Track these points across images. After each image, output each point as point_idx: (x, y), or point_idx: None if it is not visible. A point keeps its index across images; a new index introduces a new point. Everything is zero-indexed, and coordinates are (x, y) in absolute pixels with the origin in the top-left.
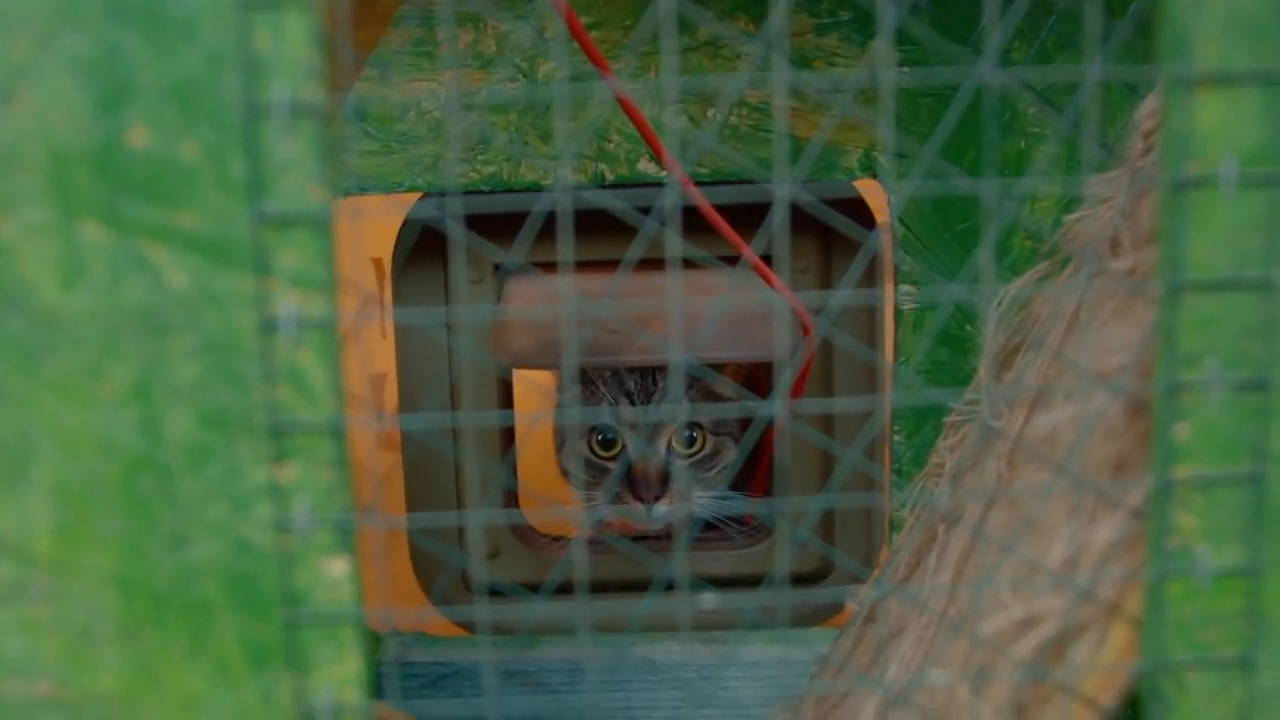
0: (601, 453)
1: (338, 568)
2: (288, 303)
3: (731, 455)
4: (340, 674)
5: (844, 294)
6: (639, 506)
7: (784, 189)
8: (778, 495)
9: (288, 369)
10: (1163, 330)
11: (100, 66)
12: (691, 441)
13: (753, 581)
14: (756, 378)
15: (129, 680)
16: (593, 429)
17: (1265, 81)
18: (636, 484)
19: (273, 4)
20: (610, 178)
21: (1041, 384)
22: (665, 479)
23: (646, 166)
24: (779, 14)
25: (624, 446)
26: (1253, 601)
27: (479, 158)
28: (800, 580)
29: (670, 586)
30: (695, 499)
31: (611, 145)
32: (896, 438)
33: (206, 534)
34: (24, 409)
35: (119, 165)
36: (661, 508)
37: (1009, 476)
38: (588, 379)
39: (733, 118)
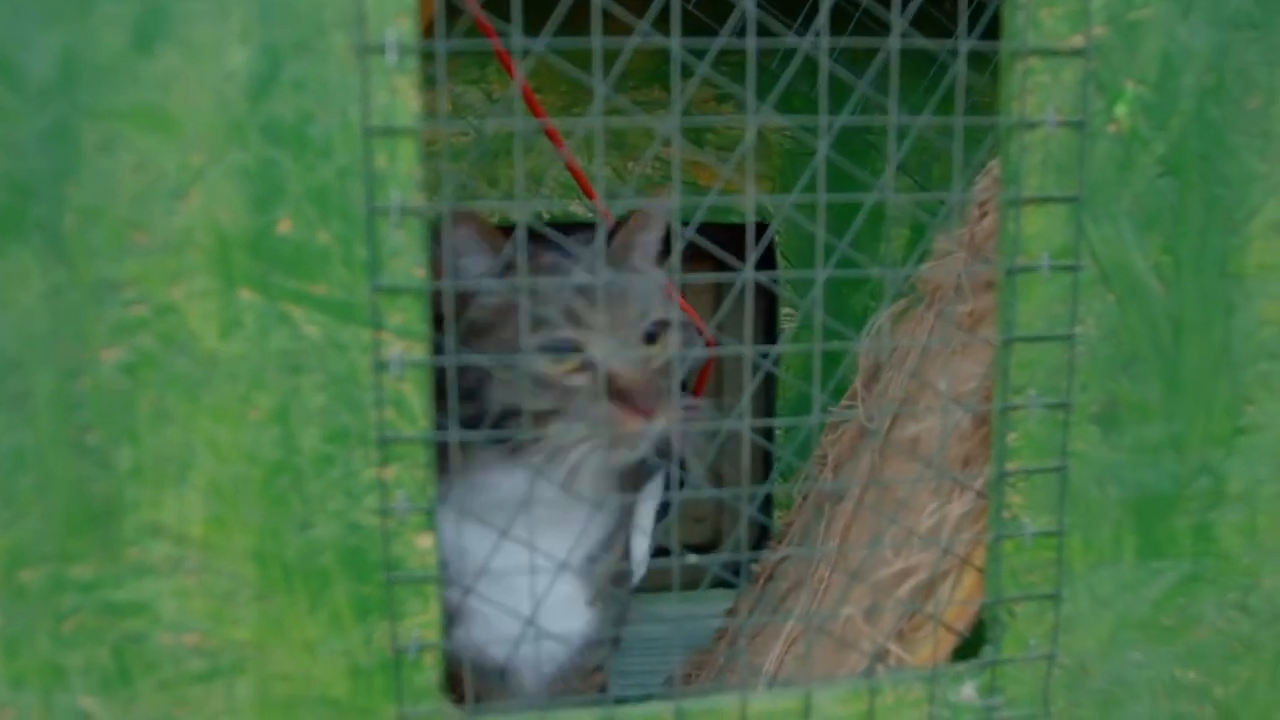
0: (552, 369)
1: (425, 541)
2: (395, 349)
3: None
4: (425, 620)
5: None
6: (637, 424)
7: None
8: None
9: (394, 397)
10: (999, 369)
11: (257, 175)
12: (652, 339)
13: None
14: None
15: (261, 632)
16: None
17: (1068, 202)
18: (629, 396)
19: (389, 132)
20: (546, 217)
21: (906, 399)
22: (657, 388)
23: (576, 208)
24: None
25: (582, 358)
26: (1059, 554)
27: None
28: (694, 549)
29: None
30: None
31: (547, 190)
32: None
33: (327, 519)
34: (186, 429)
35: (269, 247)
36: (659, 423)
37: (880, 467)
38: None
39: (648, 169)
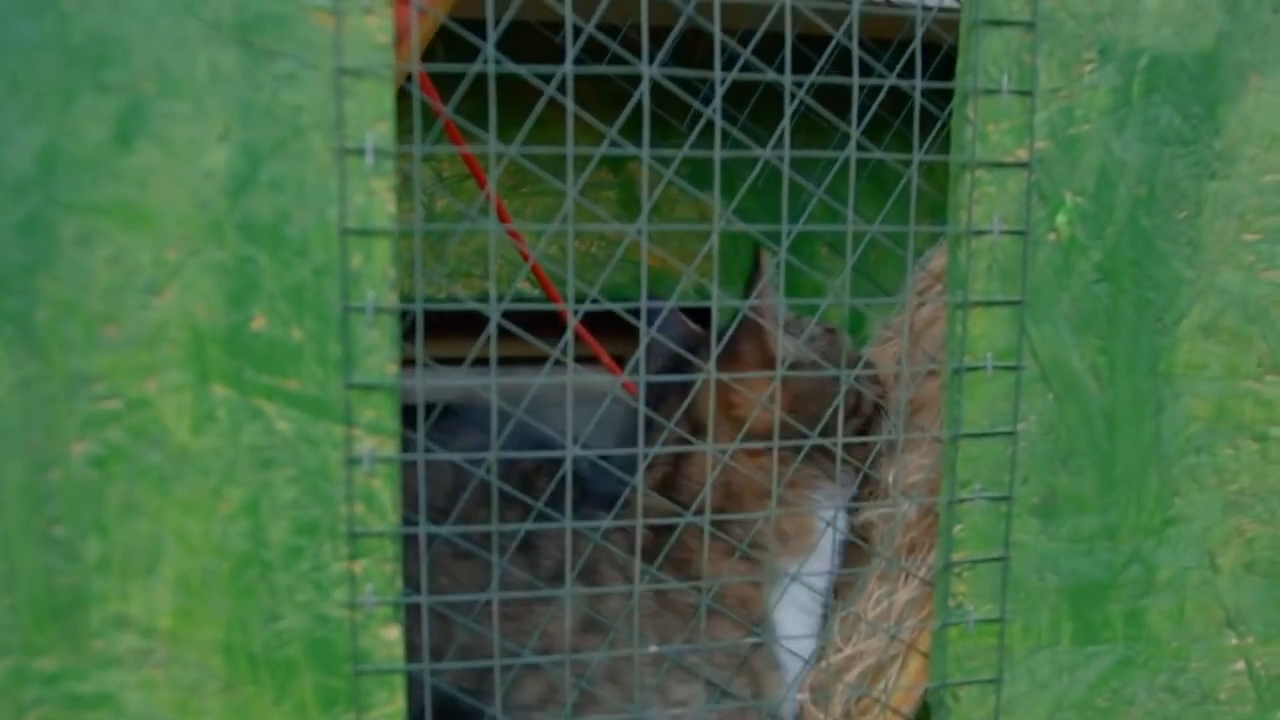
0: None
1: (392, 633)
2: (367, 445)
3: None
4: (390, 711)
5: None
6: None
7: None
8: None
9: (364, 492)
10: (946, 464)
11: (233, 272)
12: None
13: None
14: None
15: None
16: None
17: (1010, 305)
18: None
19: (365, 233)
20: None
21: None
22: None
23: (523, 285)
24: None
25: None
26: (1001, 640)
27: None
28: None
29: None
30: None
31: (497, 267)
32: None
33: (295, 611)
34: (156, 521)
35: (243, 343)
36: None
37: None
38: None
39: (593, 249)
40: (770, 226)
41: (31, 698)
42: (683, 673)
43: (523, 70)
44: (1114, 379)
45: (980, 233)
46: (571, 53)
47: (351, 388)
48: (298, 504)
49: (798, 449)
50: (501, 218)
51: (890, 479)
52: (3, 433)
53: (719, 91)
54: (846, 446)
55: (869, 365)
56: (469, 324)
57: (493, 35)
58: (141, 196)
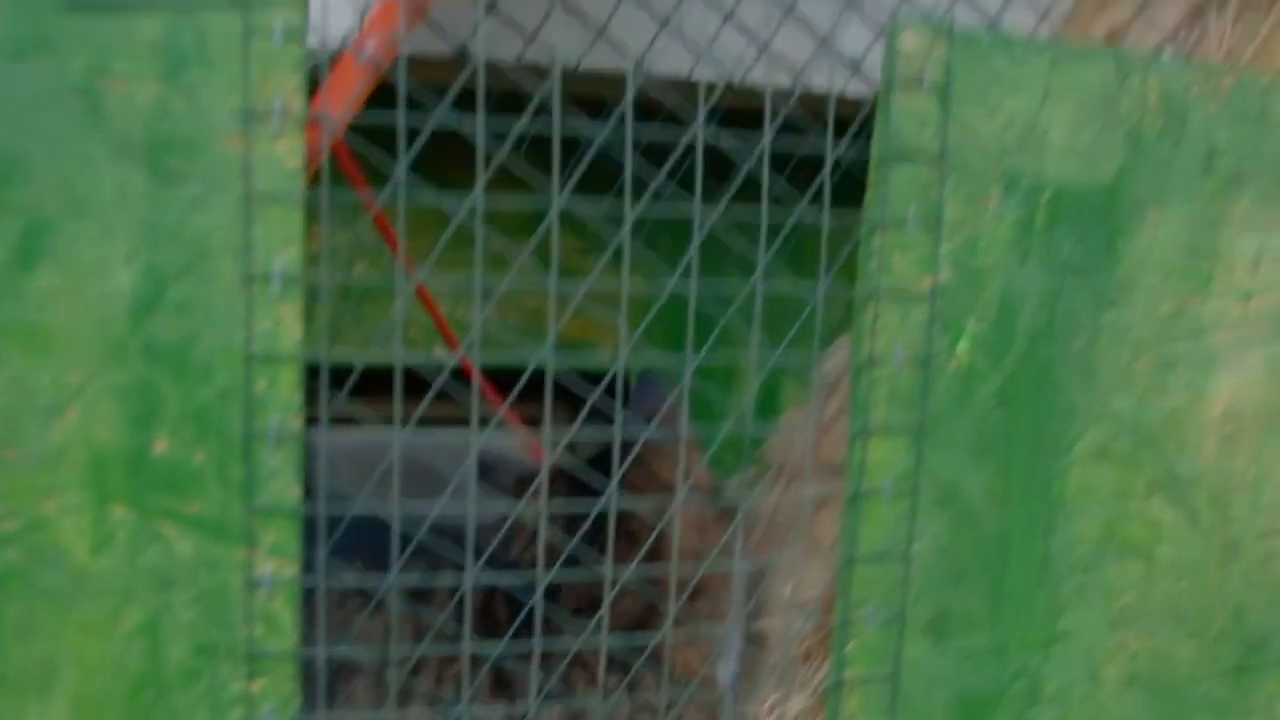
0: None
1: None
2: (268, 568)
3: None
4: None
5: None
6: None
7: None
8: None
9: (264, 614)
10: (841, 585)
11: (135, 394)
12: None
13: None
14: None
15: None
16: None
17: (913, 433)
18: None
19: (271, 359)
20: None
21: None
22: None
23: (440, 351)
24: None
25: None
26: None
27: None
28: None
29: None
30: None
31: (411, 333)
32: None
33: None
34: (53, 641)
35: (145, 465)
36: None
37: None
38: None
39: (510, 317)
40: (675, 355)
41: None
42: None
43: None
44: (1008, 502)
45: (881, 361)
46: (482, 179)
47: (254, 512)
48: (196, 626)
49: None
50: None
51: (787, 593)
52: None
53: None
54: None
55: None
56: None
57: (404, 158)
58: (42, 318)
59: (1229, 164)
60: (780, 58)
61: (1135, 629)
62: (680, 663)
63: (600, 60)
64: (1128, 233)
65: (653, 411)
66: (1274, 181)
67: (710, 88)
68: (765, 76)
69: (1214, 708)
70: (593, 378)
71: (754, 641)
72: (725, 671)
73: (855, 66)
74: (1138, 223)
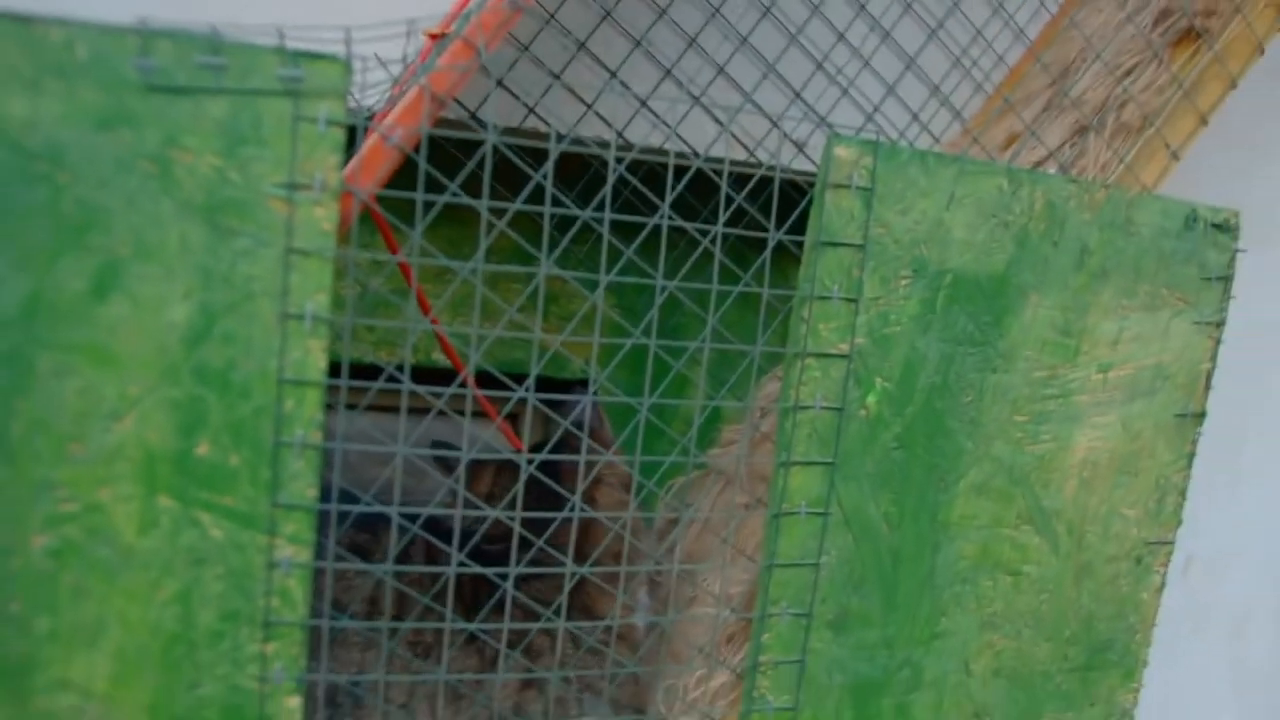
0: None
1: (293, 702)
2: (286, 552)
3: None
4: None
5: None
6: None
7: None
8: None
9: (280, 589)
10: (761, 585)
11: (184, 407)
12: None
13: None
14: None
15: None
16: None
17: (827, 466)
18: None
19: (299, 383)
20: (411, 363)
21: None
22: None
23: (438, 358)
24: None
25: None
26: None
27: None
28: None
29: None
30: None
31: (416, 339)
32: None
33: (214, 682)
34: (101, 605)
35: (188, 465)
36: None
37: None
38: None
39: (505, 329)
40: (632, 399)
41: None
42: None
43: (441, 260)
44: (902, 525)
45: (804, 408)
46: (484, 244)
47: (277, 506)
48: (223, 597)
49: None
50: (421, 303)
51: (716, 588)
52: None
53: (602, 285)
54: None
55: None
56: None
57: (421, 224)
58: (111, 340)
59: (1097, 261)
60: (742, 132)
61: (1002, 631)
62: (602, 610)
63: (587, 131)
64: (1012, 312)
65: (580, 419)
66: (1133, 277)
67: (681, 167)
68: (725, 151)
69: (1064, 697)
70: (565, 382)
71: (659, 599)
72: (641, 618)
73: (800, 147)
74: (1021, 305)
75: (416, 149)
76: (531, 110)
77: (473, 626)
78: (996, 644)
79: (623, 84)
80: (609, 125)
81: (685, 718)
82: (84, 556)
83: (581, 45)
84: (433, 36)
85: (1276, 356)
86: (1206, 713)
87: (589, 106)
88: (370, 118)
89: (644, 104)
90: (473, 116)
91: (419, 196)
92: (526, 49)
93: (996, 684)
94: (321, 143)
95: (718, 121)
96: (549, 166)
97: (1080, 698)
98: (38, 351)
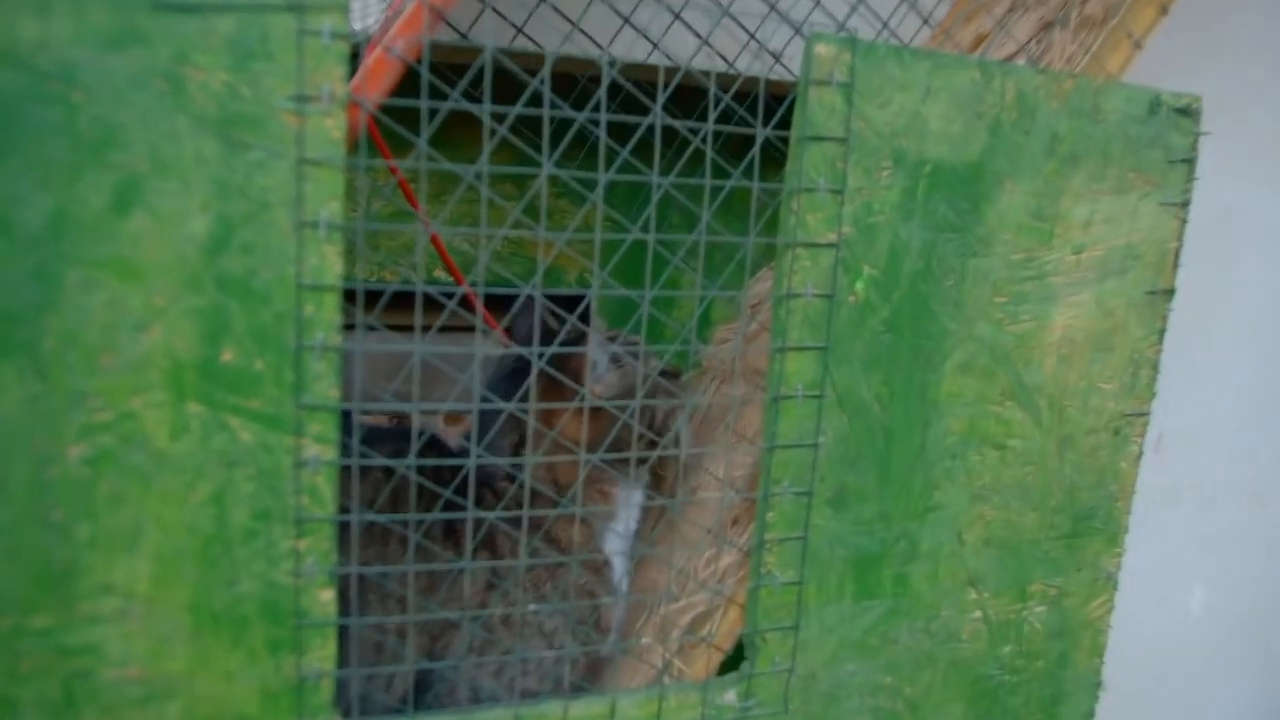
0: None
1: (327, 595)
2: (313, 451)
3: None
4: (324, 654)
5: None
6: None
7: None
8: None
9: (309, 487)
10: (763, 467)
11: (208, 315)
12: None
13: None
14: None
15: (192, 664)
16: None
17: (820, 351)
18: None
19: (317, 288)
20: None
21: (692, 464)
22: None
23: (440, 274)
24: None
25: None
26: (799, 598)
27: None
28: None
29: None
30: None
31: (417, 259)
32: None
33: (250, 578)
34: (138, 510)
35: (214, 371)
36: None
37: (672, 524)
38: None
39: (499, 248)
40: (632, 292)
41: (26, 648)
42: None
43: (447, 164)
44: (893, 404)
45: (796, 295)
46: (487, 149)
47: (302, 407)
48: (255, 497)
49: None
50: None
51: (720, 473)
52: (12, 438)
53: (600, 186)
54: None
55: (675, 378)
56: (400, 301)
57: (425, 132)
58: (134, 254)
59: (1067, 148)
60: (723, 47)
61: (991, 503)
62: (564, 538)
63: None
64: (989, 199)
65: (529, 327)
66: (1102, 161)
67: (670, 71)
68: (709, 64)
69: (1052, 563)
70: (562, 297)
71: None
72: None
73: (777, 58)
74: (997, 192)
75: (418, 61)
76: (520, 30)
77: (493, 515)
78: (986, 515)
79: (608, 3)
80: (595, 43)
81: (698, 596)
82: (119, 463)
83: None
84: None
85: (1241, 241)
86: (1178, 581)
87: (575, 25)
88: (369, 40)
89: (627, 20)
90: (464, 38)
91: (423, 104)
92: None
93: (988, 553)
94: (327, 55)
95: (697, 35)
96: (545, 72)
97: (1067, 563)
98: (64, 267)
